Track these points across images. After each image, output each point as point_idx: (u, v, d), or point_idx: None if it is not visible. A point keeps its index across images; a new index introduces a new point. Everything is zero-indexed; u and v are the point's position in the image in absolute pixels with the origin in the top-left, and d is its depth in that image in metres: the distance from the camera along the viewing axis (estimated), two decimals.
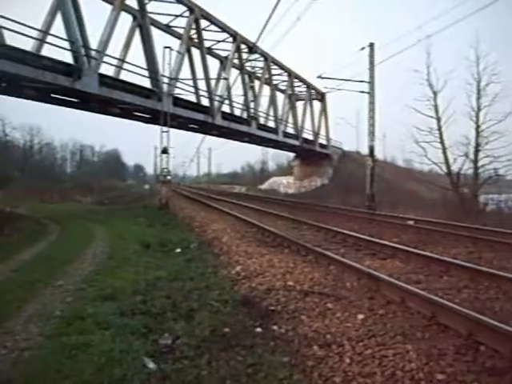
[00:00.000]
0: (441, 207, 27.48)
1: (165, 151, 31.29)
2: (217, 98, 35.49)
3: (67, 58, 22.43)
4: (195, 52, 34.71)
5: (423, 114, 32.77)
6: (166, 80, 29.25)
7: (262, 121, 44.00)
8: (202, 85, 35.01)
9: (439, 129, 32.58)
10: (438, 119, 32.70)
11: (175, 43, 32.13)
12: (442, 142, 32.35)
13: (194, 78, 35.18)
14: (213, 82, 36.19)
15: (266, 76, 43.98)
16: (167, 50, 29.44)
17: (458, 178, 31.01)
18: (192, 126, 36.56)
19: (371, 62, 30.00)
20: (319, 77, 32.10)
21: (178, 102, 30.50)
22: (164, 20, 32.98)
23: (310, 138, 54.25)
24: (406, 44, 46.86)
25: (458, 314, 5.69)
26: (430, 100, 32.83)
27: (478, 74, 31.81)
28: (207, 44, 36.16)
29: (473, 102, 32.06)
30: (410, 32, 53.00)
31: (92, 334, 5.66)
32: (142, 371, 4.74)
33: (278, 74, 47.88)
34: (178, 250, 12.96)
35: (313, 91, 54.03)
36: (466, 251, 11.80)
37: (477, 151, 31.35)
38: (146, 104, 27.55)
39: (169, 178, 50.90)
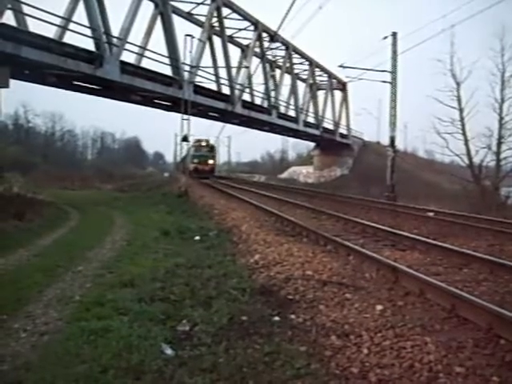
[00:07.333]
0: (461, 199, 27.15)
1: (185, 139, 31.30)
2: (237, 87, 35.40)
3: (89, 45, 22.57)
4: (216, 40, 34.68)
5: (446, 104, 32.43)
6: (187, 68, 29.27)
7: (282, 110, 43.84)
8: (222, 73, 35.02)
9: (461, 120, 32.21)
10: (461, 110, 32.32)
11: (197, 31, 32.15)
12: (464, 134, 32.03)
13: (215, 66, 35.13)
14: (234, 71, 36.14)
15: (287, 65, 43.75)
16: (188, 37, 29.36)
17: (479, 171, 30.61)
18: (212, 114, 36.62)
19: (394, 52, 29.61)
20: (341, 66, 31.84)
21: (199, 90, 30.53)
22: (186, 8, 32.96)
23: (331, 127, 53.96)
24: (430, 34, 46.23)
25: (478, 307, 5.61)
26: (453, 91, 32.45)
27: (503, 64, 31.40)
28: (228, 32, 36.06)
29: (496, 93, 31.66)
30: (434, 21, 52.32)
31: (110, 319, 5.72)
32: (159, 357, 4.78)
33: (299, 63, 47.63)
34: (197, 238, 12.99)
35: (334, 80, 53.66)
36: (486, 244, 11.62)
37: (499, 143, 30.97)
38: (167, 92, 27.63)
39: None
